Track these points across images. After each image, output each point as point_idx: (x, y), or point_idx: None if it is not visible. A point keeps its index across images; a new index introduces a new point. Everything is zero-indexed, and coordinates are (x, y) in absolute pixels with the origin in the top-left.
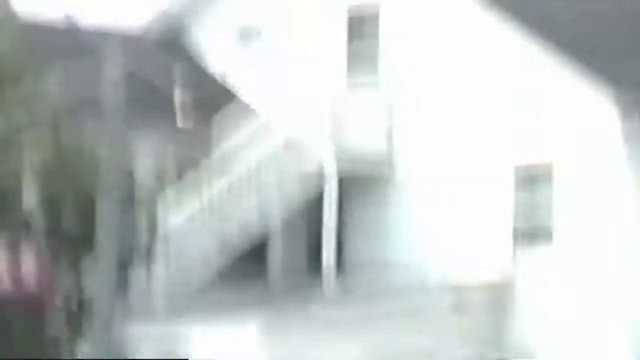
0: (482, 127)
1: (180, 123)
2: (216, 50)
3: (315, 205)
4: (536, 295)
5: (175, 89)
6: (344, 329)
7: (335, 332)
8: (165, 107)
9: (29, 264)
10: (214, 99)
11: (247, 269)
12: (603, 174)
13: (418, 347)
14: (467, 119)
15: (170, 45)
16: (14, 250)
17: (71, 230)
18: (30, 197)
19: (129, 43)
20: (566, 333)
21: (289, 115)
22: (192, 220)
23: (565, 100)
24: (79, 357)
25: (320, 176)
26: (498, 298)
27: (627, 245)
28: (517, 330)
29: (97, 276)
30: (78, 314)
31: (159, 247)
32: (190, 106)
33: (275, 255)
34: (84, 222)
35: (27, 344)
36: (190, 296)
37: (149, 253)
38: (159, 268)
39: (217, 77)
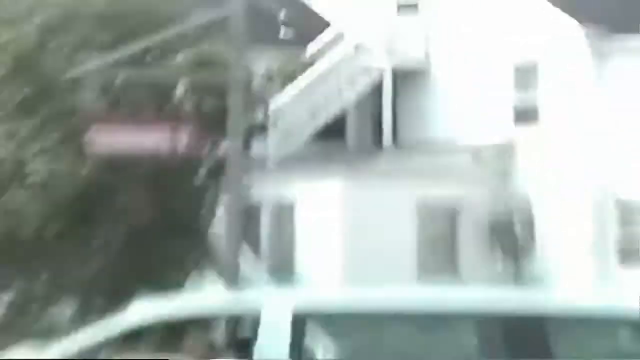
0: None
1: (283, 36)
2: None
3: (377, 94)
4: (530, 159)
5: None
6: (399, 178)
7: (393, 180)
8: (272, 25)
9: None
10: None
11: (330, 138)
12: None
13: (449, 188)
14: (482, 28)
15: None
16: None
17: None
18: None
19: None
20: (551, 189)
21: (358, 28)
22: (293, 99)
23: None
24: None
25: (379, 71)
26: (505, 155)
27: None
28: (519, 182)
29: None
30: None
31: (271, 120)
32: (290, 24)
33: (351, 127)
34: (220, 110)
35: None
36: (291, 157)
37: (263, 128)
38: (271, 136)
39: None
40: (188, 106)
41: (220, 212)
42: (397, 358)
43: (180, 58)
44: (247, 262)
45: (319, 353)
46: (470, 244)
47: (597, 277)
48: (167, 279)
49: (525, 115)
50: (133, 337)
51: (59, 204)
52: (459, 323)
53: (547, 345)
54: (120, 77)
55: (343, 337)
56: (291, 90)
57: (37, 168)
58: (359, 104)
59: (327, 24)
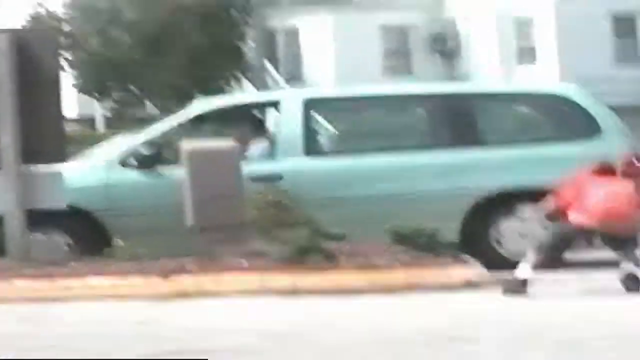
0: None
1: None
2: None
3: None
4: None
5: None
6: (368, 9)
7: (363, 12)
8: None
9: None
10: None
11: None
12: None
13: (403, 16)
14: None
15: None
16: None
17: None
18: None
19: None
20: (470, 12)
21: None
22: None
23: None
24: None
25: None
26: None
27: None
28: (449, 7)
29: None
30: None
31: None
32: None
33: None
34: None
35: None
36: None
37: None
38: None
39: None
40: None
41: (250, 36)
42: (374, 128)
43: None
44: (269, 74)
45: (322, 128)
46: (419, 53)
47: (504, 74)
48: (215, 86)
49: None
50: (198, 122)
51: (142, 37)
52: (417, 102)
53: (474, 117)
54: None
55: (338, 117)
56: None
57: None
58: None
59: None
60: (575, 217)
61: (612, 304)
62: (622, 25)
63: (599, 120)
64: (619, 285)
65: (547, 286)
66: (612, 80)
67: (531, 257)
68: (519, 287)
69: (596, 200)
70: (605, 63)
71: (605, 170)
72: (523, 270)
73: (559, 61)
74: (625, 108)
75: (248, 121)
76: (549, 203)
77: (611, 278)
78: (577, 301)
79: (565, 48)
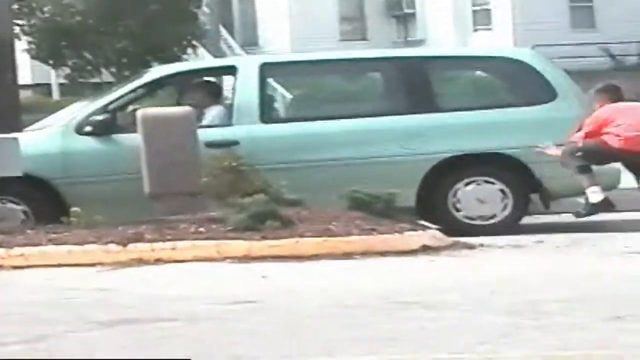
0: None
1: None
2: None
3: None
4: None
5: None
6: None
7: None
8: None
9: None
10: None
11: None
12: None
13: None
14: None
15: None
16: None
17: None
18: None
19: None
20: None
21: None
22: None
23: None
24: None
25: None
26: None
27: None
28: None
29: None
30: None
31: None
32: None
33: None
34: None
35: None
36: None
37: None
38: None
39: None
40: None
41: (205, 2)
42: (330, 94)
43: None
44: (225, 40)
45: (278, 94)
46: (375, 18)
47: (459, 40)
48: (171, 52)
49: None
50: (154, 88)
51: (96, 3)
52: (372, 67)
53: (430, 82)
54: None
55: (294, 82)
56: None
57: None
58: None
59: None
60: (610, 139)
61: (566, 267)
62: None
63: (555, 84)
64: (568, 248)
65: (504, 250)
66: (568, 44)
67: (585, 179)
68: (608, 207)
69: (627, 126)
70: (561, 28)
71: (612, 90)
72: (594, 195)
73: (514, 26)
74: (581, 72)
75: (204, 87)
76: (577, 135)
77: (566, 240)
78: (532, 263)
79: (520, 13)
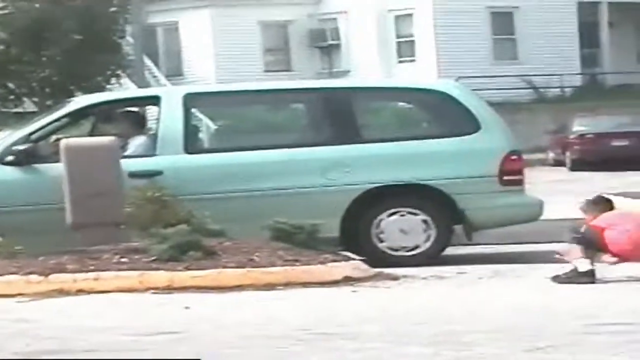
0: None
1: None
2: None
3: None
4: None
5: None
6: (247, 6)
7: (241, 8)
8: None
9: None
10: None
11: None
12: None
13: (281, 13)
14: None
15: None
16: None
17: None
18: None
19: None
20: (351, 9)
21: None
22: None
23: None
24: None
25: None
26: None
27: None
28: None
29: None
30: None
31: None
32: None
33: None
34: None
35: None
36: None
37: None
38: None
39: None
40: None
41: (129, 32)
42: (254, 124)
43: None
44: (150, 70)
45: (202, 124)
46: (299, 49)
47: (384, 71)
48: (95, 82)
49: None
50: (77, 118)
51: (19, 33)
52: (296, 98)
53: (353, 113)
54: None
55: (218, 113)
56: None
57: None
58: None
59: None
60: (610, 240)
61: (488, 298)
62: (500, 21)
63: (477, 116)
64: (490, 279)
65: (427, 282)
66: (491, 76)
67: (575, 251)
68: (590, 278)
69: (628, 232)
70: (484, 59)
71: (603, 202)
72: (583, 265)
73: (437, 57)
74: (504, 104)
75: (128, 117)
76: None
77: (488, 272)
78: (455, 294)
79: (444, 45)
